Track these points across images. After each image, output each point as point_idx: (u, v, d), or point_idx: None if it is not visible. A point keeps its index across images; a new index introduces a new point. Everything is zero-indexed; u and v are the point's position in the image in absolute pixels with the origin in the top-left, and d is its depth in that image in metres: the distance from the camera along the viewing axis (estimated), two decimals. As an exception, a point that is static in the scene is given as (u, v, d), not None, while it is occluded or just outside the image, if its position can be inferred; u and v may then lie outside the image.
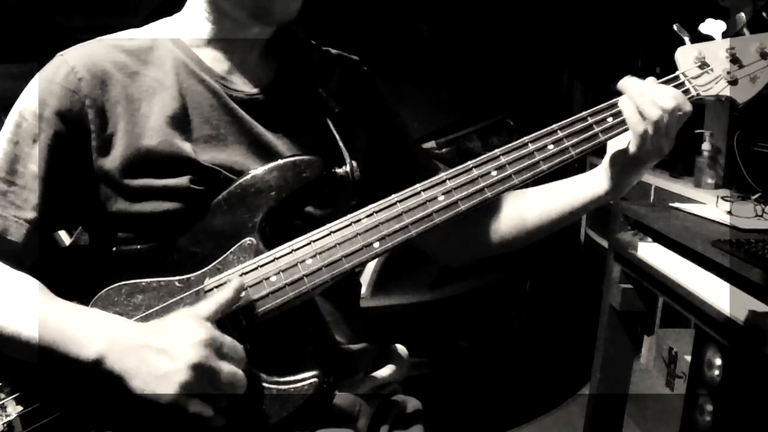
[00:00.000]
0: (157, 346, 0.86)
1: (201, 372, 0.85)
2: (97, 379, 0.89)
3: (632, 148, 1.01)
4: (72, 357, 0.89)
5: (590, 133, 1.02)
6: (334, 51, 1.19)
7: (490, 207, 1.14)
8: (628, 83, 1.02)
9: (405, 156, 1.20)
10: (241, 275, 0.96)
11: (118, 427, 0.93)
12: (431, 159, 1.23)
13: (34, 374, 0.94)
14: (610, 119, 1.03)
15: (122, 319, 0.94)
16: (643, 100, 0.99)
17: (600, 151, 1.09)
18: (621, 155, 1.04)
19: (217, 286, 0.96)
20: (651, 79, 1.04)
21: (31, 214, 0.98)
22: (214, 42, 1.05)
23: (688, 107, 1.01)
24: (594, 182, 1.10)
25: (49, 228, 1.03)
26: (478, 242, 1.18)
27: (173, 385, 0.84)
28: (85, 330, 0.90)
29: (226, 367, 0.87)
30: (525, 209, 1.14)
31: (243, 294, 0.95)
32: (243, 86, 1.06)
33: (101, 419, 0.93)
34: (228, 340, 0.89)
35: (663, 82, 1.05)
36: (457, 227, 1.09)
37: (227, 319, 0.94)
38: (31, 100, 0.99)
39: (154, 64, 1.03)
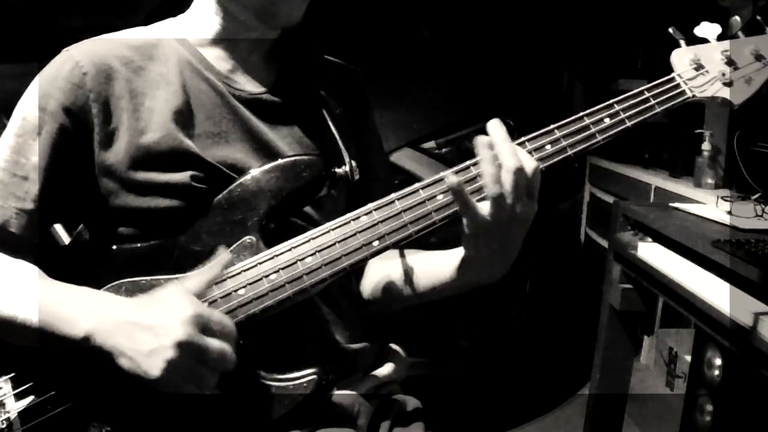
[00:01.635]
0: (144, 323, 0.86)
1: (187, 349, 0.84)
2: (90, 360, 0.89)
3: (472, 225, 0.95)
4: (63, 336, 0.90)
5: (587, 133, 1.03)
6: (333, 59, 1.20)
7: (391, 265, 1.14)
8: (486, 144, 0.94)
9: (371, 174, 1.18)
10: (240, 272, 0.96)
11: (117, 422, 0.93)
12: (390, 185, 1.14)
13: (33, 370, 0.95)
14: (606, 120, 1.03)
15: (112, 296, 0.94)
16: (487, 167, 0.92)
17: (600, 150, 1.09)
18: (467, 241, 0.99)
19: (216, 284, 0.96)
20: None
21: (31, 206, 0.99)
22: (218, 41, 1.06)
23: (530, 165, 0.93)
24: (461, 266, 1.04)
25: (49, 220, 1.04)
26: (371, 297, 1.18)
27: (160, 362, 0.84)
28: (75, 308, 0.91)
29: (214, 344, 0.86)
30: (414, 275, 1.13)
31: (242, 287, 0.95)
32: (246, 85, 1.06)
33: (100, 415, 0.93)
34: (215, 316, 0.89)
35: (659, 84, 1.05)
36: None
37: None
38: (37, 94, 1.00)
39: (159, 60, 1.03)
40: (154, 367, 0.84)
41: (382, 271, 1.16)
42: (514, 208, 0.93)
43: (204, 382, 0.87)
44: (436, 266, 1.08)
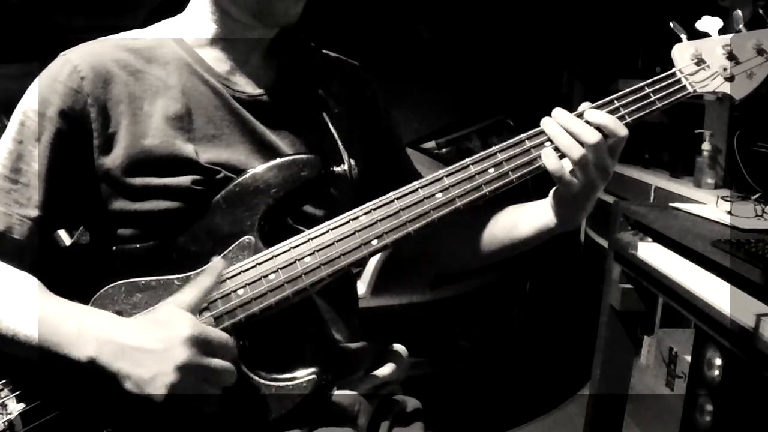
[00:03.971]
0: (144, 347, 0.86)
1: (189, 372, 0.85)
2: (94, 378, 0.89)
3: (564, 188, 1.00)
4: (67, 357, 0.90)
5: None
6: (333, 55, 1.20)
7: (461, 224, 1.14)
8: (546, 123, 1.00)
9: (392, 165, 1.19)
10: (239, 273, 0.96)
11: (117, 424, 0.93)
12: (416, 174, 1.19)
13: (35, 372, 0.94)
14: None
15: (112, 317, 0.93)
16: (564, 141, 0.98)
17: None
18: (558, 192, 1.04)
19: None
20: (584, 105, 1.01)
21: (34, 212, 0.99)
22: (216, 42, 1.06)
23: (622, 132, 0.98)
24: (544, 214, 1.08)
25: (51, 226, 1.03)
26: (448, 257, 1.19)
27: (162, 387, 0.85)
28: (77, 331, 0.90)
29: (215, 363, 0.87)
30: (483, 232, 1.14)
31: (241, 287, 0.95)
32: (245, 86, 1.06)
33: (101, 417, 0.93)
34: (215, 335, 0.89)
35: (660, 79, 1.05)
36: (431, 241, 1.11)
37: (226, 316, 0.94)
38: (35, 99, 0.99)
39: (158, 63, 1.03)
40: (158, 391, 0.85)
41: (458, 233, 1.16)
42: (599, 173, 0.99)
43: (208, 399, 0.88)
44: (511, 223, 1.12)
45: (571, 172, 0.99)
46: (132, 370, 0.86)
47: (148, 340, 0.87)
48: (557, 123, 0.99)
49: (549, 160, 0.99)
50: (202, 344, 0.87)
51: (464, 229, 1.16)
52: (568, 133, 0.98)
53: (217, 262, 0.94)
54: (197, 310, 0.91)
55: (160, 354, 0.85)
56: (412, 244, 1.05)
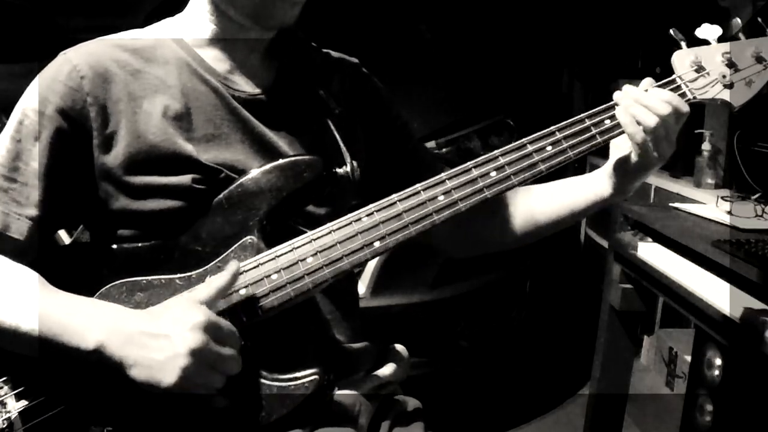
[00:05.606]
0: (157, 332, 0.87)
1: (201, 356, 0.86)
2: (97, 370, 0.90)
3: (634, 156, 1.03)
4: (72, 347, 0.90)
5: (588, 134, 1.04)
6: (334, 53, 1.20)
7: (501, 202, 1.16)
8: (622, 93, 1.03)
9: (408, 155, 1.20)
10: (242, 273, 0.96)
11: (119, 422, 0.93)
12: (435, 158, 1.24)
13: (34, 370, 0.94)
14: (607, 121, 1.04)
15: (121, 308, 0.94)
16: (638, 110, 1.01)
17: (600, 150, 1.09)
18: (624, 161, 1.06)
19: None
20: (647, 82, 1.05)
21: (32, 211, 0.99)
22: (216, 42, 1.06)
23: (685, 108, 1.03)
24: (598, 185, 1.11)
25: (51, 225, 1.03)
26: (486, 237, 1.20)
27: (174, 369, 0.85)
28: (85, 320, 0.91)
29: (225, 351, 0.88)
30: (534, 206, 1.16)
31: (243, 287, 0.95)
32: (245, 86, 1.06)
33: (101, 415, 0.93)
34: (225, 324, 0.90)
35: (659, 86, 1.05)
36: (466, 222, 1.10)
37: (228, 316, 0.94)
38: (34, 98, 0.99)
39: (157, 63, 1.03)
40: (168, 375, 0.85)
41: (527, 207, 1.17)
42: (667, 144, 1.02)
43: (213, 386, 0.89)
44: (573, 193, 1.14)
45: (640, 144, 1.01)
46: (142, 354, 0.87)
47: (161, 326, 0.88)
48: (630, 96, 1.02)
49: (625, 119, 1.01)
50: (213, 331, 0.88)
51: (520, 205, 1.17)
52: (641, 105, 1.01)
53: (233, 263, 0.95)
54: (210, 306, 0.91)
55: (173, 338, 0.86)
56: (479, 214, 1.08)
